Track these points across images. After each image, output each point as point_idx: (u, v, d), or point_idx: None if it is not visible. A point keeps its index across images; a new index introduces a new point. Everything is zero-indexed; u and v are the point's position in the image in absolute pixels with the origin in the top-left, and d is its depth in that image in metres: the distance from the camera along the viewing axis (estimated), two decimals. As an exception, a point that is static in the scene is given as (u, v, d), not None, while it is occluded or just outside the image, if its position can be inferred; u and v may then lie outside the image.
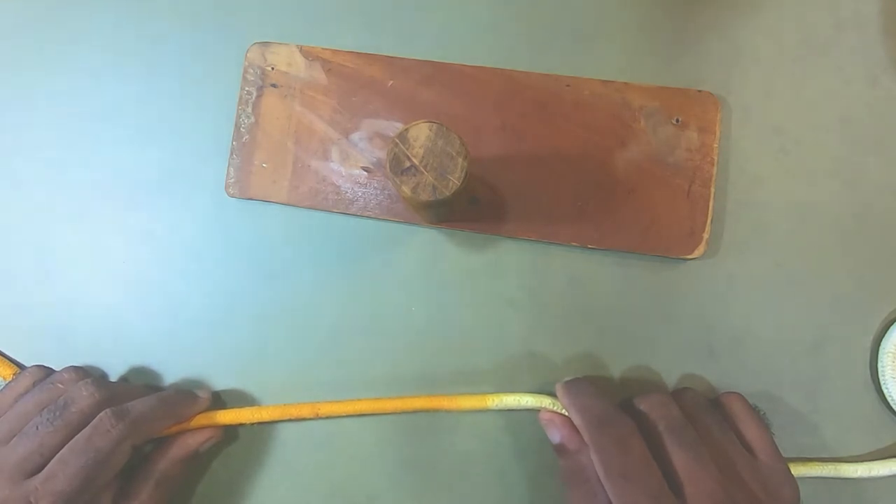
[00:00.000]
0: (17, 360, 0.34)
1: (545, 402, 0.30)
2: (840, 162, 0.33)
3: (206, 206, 0.34)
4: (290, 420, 0.32)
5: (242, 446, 0.33)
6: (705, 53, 0.34)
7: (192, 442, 0.30)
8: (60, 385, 0.30)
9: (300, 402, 0.32)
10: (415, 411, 0.32)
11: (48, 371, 0.32)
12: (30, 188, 0.35)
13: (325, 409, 0.31)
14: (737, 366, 0.32)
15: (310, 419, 0.32)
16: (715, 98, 0.33)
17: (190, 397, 0.31)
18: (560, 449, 0.30)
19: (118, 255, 0.34)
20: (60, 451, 0.27)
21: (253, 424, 0.32)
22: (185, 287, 0.34)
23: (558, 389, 0.30)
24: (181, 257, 0.34)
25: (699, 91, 0.33)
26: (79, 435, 0.27)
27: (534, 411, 0.31)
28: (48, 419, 0.28)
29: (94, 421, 0.27)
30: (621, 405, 0.30)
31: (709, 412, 0.29)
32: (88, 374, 0.32)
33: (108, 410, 0.28)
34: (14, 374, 0.32)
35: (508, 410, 0.32)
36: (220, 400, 0.33)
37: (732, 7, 0.34)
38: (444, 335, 0.33)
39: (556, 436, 0.30)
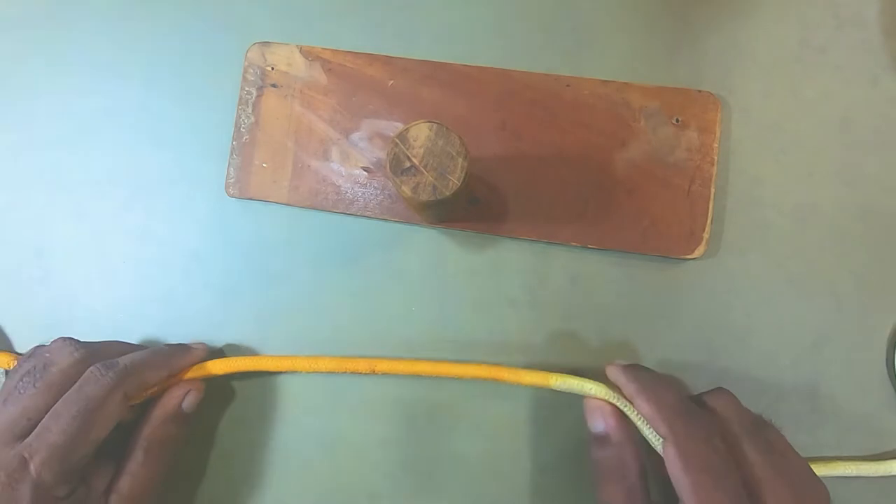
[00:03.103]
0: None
1: (610, 393, 0.29)
2: (840, 162, 0.33)
3: (206, 206, 0.34)
4: (292, 372, 0.32)
5: (244, 447, 0.33)
6: (705, 53, 0.34)
7: (169, 400, 0.29)
8: (47, 354, 0.29)
9: (322, 356, 0.31)
10: (474, 378, 0.31)
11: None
12: (30, 188, 0.35)
13: (383, 366, 0.31)
14: (737, 365, 0.32)
15: (310, 373, 0.32)
16: (715, 98, 0.33)
17: (182, 349, 0.30)
18: (601, 439, 0.28)
19: (118, 255, 0.34)
20: (53, 406, 0.26)
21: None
22: (185, 287, 0.34)
23: (616, 373, 0.29)
24: (181, 257, 0.34)
25: (699, 91, 0.33)
26: (70, 389, 0.27)
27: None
28: (29, 382, 0.27)
29: (85, 374, 0.27)
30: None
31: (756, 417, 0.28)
32: (76, 341, 0.30)
33: (96, 364, 0.27)
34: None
35: (569, 392, 0.30)
36: (220, 400, 0.33)
37: (732, 7, 0.34)
38: (445, 335, 0.33)
39: (600, 424, 0.28)
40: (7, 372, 0.33)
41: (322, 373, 0.32)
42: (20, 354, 0.33)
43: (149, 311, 0.34)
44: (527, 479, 0.32)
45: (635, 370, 0.29)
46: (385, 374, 0.32)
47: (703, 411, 0.27)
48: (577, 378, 0.30)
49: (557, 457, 0.32)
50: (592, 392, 0.29)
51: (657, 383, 0.28)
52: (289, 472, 0.33)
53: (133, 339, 0.34)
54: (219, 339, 0.33)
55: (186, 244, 0.34)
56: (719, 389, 0.29)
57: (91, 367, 0.27)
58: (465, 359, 0.33)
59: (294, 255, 0.34)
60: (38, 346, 0.32)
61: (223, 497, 0.32)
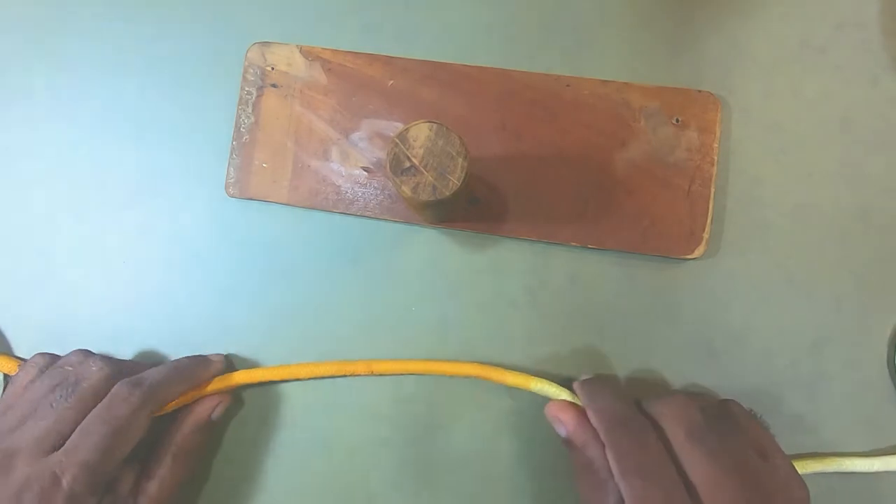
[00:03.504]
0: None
1: (563, 395, 0.30)
2: (840, 162, 0.33)
3: (206, 206, 0.34)
4: (317, 378, 0.33)
5: (244, 448, 0.33)
6: (705, 53, 0.34)
7: (201, 410, 0.31)
8: (69, 368, 0.30)
9: (348, 360, 0.32)
10: (464, 376, 0.32)
11: (53, 357, 0.32)
12: (30, 188, 0.35)
13: (379, 366, 0.32)
14: (737, 365, 0.32)
15: (337, 377, 0.33)
16: (715, 98, 0.33)
17: (203, 362, 0.32)
18: (568, 443, 0.30)
19: (118, 255, 0.34)
20: (81, 423, 0.27)
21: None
22: (185, 287, 0.34)
23: (576, 388, 0.30)
24: (181, 257, 0.34)
25: (699, 91, 0.33)
26: (97, 406, 0.28)
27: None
28: (62, 395, 0.28)
29: (112, 392, 0.28)
30: (640, 405, 0.29)
31: (723, 417, 0.28)
32: (95, 354, 0.32)
33: (123, 381, 0.28)
34: (19, 366, 0.32)
35: (544, 397, 0.31)
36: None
37: (732, 7, 0.34)
38: (445, 335, 0.33)
39: (562, 430, 0.30)
40: (6, 376, 0.33)
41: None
42: (21, 359, 0.33)
43: (149, 310, 0.34)
44: (525, 479, 0.32)
45: (589, 383, 0.30)
46: (383, 376, 0.32)
47: (640, 417, 0.28)
48: (556, 386, 0.31)
49: (556, 457, 0.32)
50: (567, 400, 0.30)
51: (603, 394, 0.29)
52: (287, 473, 0.33)
53: (133, 339, 0.34)
54: (219, 339, 0.33)
55: (186, 244, 0.34)
56: (670, 394, 0.29)
57: (118, 386, 0.28)
58: (464, 359, 0.33)
59: (294, 256, 0.34)
60: (51, 357, 0.32)
61: (224, 499, 0.32)
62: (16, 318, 0.34)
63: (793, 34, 0.34)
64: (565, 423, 0.30)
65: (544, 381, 0.31)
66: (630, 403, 0.29)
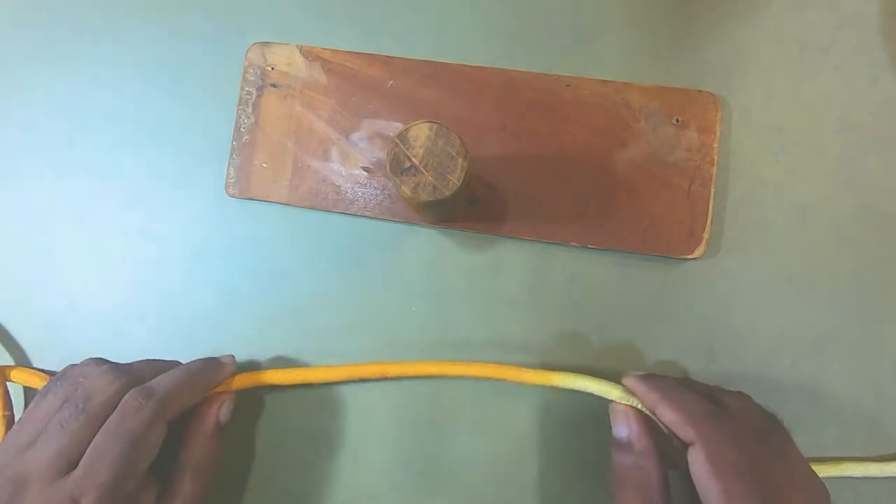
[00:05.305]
0: (16, 360, 0.34)
1: (613, 392, 0.29)
2: (840, 162, 0.33)
3: (206, 206, 0.34)
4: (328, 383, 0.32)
5: (245, 447, 0.33)
6: (705, 53, 0.34)
7: (209, 417, 0.30)
8: (82, 379, 0.28)
9: (361, 364, 0.32)
10: (480, 378, 0.31)
11: (73, 366, 0.30)
12: (30, 188, 0.35)
13: (393, 369, 0.31)
14: (737, 365, 0.32)
15: (358, 381, 0.32)
16: (715, 98, 0.33)
17: (215, 365, 0.30)
18: (623, 445, 0.28)
19: (118, 255, 0.34)
20: (94, 440, 0.26)
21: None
22: (185, 287, 0.34)
23: (634, 383, 0.29)
24: (181, 257, 0.34)
25: (699, 91, 0.33)
26: (109, 421, 0.26)
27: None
28: (71, 414, 0.26)
29: (122, 403, 0.27)
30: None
31: (774, 422, 0.28)
32: (107, 364, 0.30)
33: (132, 391, 0.27)
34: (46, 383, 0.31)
35: (571, 391, 0.30)
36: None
37: (732, 7, 0.34)
38: (444, 334, 0.33)
39: (623, 430, 0.28)
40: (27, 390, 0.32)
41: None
42: (50, 373, 0.33)
43: (148, 311, 0.34)
44: (529, 480, 0.32)
45: (654, 379, 0.29)
46: (396, 379, 0.32)
47: (728, 416, 0.26)
48: (582, 377, 0.30)
49: (559, 458, 0.32)
50: (595, 391, 0.29)
51: (679, 389, 0.28)
52: (290, 471, 0.33)
53: (133, 339, 0.34)
54: (218, 338, 0.33)
55: (186, 244, 0.34)
56: (737, 393, 0.28)
57: (128, 397, 0.27)
58: (464, 358, 0.33)
59: (294, 255, 0.34)
60: (70, 367, 0.30)
61: (225, 498, 0.32)
62: (16, 318, 0.34)
63: (793, 34, 0.34)
64: (631, 424, 0.28)
65: (569, 374, 0.30)
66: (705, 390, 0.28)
